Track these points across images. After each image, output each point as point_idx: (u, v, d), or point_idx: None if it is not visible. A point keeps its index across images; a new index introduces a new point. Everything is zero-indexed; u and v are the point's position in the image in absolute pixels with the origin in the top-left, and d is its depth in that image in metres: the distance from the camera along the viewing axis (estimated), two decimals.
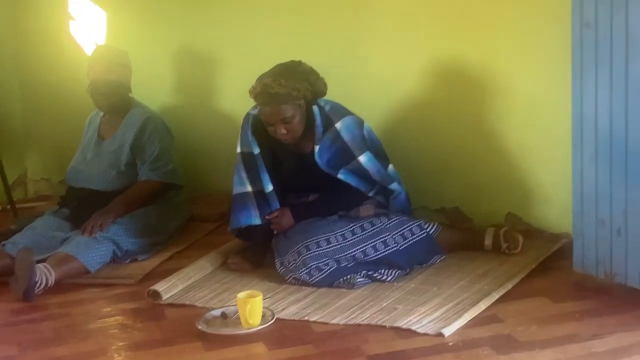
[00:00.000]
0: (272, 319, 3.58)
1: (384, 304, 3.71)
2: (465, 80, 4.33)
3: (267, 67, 4.07)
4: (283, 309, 3.72)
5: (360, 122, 4.13)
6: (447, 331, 3.42)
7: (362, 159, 4.05)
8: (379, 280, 3.93)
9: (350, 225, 4.02)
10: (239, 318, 3.57)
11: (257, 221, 4.11)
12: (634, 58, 3.39)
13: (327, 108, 4.08)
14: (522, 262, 4.04)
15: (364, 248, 3.96)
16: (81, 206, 4.58)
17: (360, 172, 4.08)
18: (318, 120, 4.04)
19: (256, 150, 4.10)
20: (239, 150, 4.15)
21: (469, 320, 3.52)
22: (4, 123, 5.59)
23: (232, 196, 4.20)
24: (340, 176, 4.07)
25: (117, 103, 4.68)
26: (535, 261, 4.03)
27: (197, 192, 5.01)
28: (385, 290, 3.85)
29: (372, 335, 3.47)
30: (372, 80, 4.54)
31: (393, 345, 3.39)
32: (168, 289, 3.93)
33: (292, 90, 3.92)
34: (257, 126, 4.10)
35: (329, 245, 3.95)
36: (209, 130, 5.10)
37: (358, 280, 3.90)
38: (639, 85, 3.40)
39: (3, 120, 5.58)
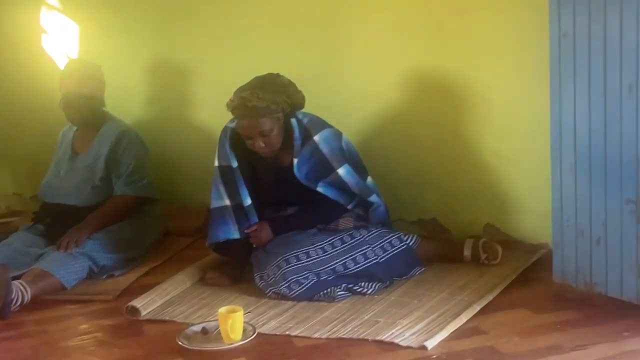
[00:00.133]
0: (253, 334, 3.56)
1: (366, 317, 3.70)
2: (443, 91, 4.33)
3: (242, 79, 4.05)
4: (264, 324, 3.69)
5: (338, 135, 4.12)
6: (430, 344, 3.41)
7: (341, 171, 4.04)
8: (359, 293, 3.91)
9: (330, 238, 4.01)
10: (220, 333, 3.55)
11: (235, 235, 4.09)
12: (612, 68, 3.40)
13: (305, 121, 4.07)
14: (502, 273, 4.04)
15: (344, 261, 3.95)
16: (56, 222, 4.54)
17: (339, 185, 4.07)
18: (296, 133, 4.03)
19: (234, 164, 4.08)
20: (216, 163, 4.12)
21: (452, 333, 3.51)
22: None
23: (209, 210, 4.18)
24: (319, 189, 4.05)
25: (90, 117, 4.64)
26: (515, 272, 4.04)
27: (173, 206, 4.97)
28: (365, 303, 3.84)
29: (355, 349, 3.45)
30: (350, 92, 4.53)
31: (376, 358, 3.37)
32: (147, 304, 3.89)
33: (270, 103, 3.91)
34: (235, 139, 4.08)
35: (309, 259, 3.93)
36: (183, 143, 5.08)
37: (338, 293, 3.88)
38: (617, 95, 3.41)
39: None
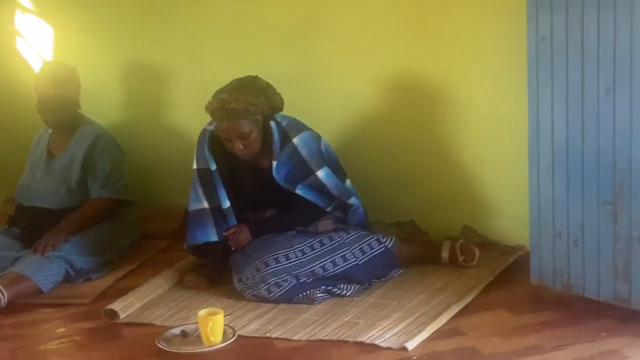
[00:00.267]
0: (233, 337, 3.55)
1: (346, 319, 3.70)
2: (421, 94, 4.35)
3: (220, 82, 4.05)
4: (244, 326, 3.69)
5: (317, 137, 4.13)
6: (411, 345, 3.42)
7: (320, 174, 4.05)
8: (339, 295, 3.92)
9: (309, 240, 4.01)
10: (199, 336, 3.53)
11: (214, 238, 4.08)
12: (590, 71, 3.43)
13: (284, 123, 4.07)
14: (479, 275, 4.07)
15: (323, 263, 3.95)
16: (32, 225, 4.51)
17: (319, 187, 4.08)
18: (275, 135, 4.03)
19: (213, 166, 4.07)
20: (195, 166, 4.11)
21: (432, 334, 3.53)
22: None
23: (187, 212, 4.17)
24: (298, 191, 4.06)
25: (65, 119, 4.61)
26: (492, 274, 4.06)
27: (149, 209, 4.95)
28: (345, 305, 3.85)
29: (336, 351, 3.46)
30: (328, 95, 4.54)
31: None
32: (125, 307, 3.87)
33: (249, 105, 3.90)
34: (214, 142, 4.08)
35: (288, 261, 3.93)
36: (159, 146, 5.06)
37: (318, 295, 3.89)
38: (594, 98, 3.44)
39: None
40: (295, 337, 3.57)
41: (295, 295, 3.88)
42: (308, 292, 3.89)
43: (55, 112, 4.56)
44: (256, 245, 4.04)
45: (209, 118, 4.04)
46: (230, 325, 3.63)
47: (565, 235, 3.66)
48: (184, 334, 3.61)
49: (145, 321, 3.81)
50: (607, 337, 3.43)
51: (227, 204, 4.07)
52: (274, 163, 4.03)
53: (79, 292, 4.20)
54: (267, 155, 4.06)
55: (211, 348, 3.49)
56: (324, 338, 3.55)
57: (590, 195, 3.54)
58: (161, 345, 3.50)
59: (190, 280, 4.15)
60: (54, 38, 5.10)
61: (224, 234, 4.08)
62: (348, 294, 3.93)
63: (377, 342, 3.47)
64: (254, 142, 3.98)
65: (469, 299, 3.82)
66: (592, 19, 3.39)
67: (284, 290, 3.88)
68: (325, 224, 4.13)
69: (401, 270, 4.13)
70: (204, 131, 4.11)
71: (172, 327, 3.68)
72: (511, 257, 4.19)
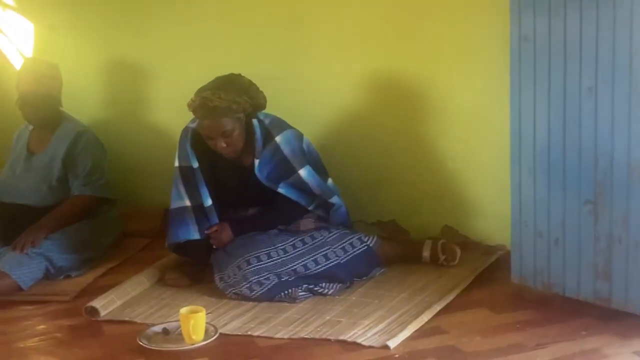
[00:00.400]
0: (215, 334, 3.55)
1: (327, 318, 3.71)
2: (403, 94, 4.36)
3: (202, 79, 4.04)
4: (225, 324, 3.68)
5: (299, 136, 4.13)
6: (393, 343, 3.42)
7: (303, 172, 4.05)
8: (320, 294, 3.93)
9: (291, 239, 4.01)
10: (181, 334, 3.53)
11: (195, 236, 4.07)
12: (572, 71, 3.45)
13: (266, 122, 4.07)
14: (461, 274, 4.08)
15: (305, 262, 3.95)
16: (12, 222, 4.47)
17: (301, 186, 4.08)
18: (258, 133, 4.03)
19: (195, 164, 4.06)
20: (177, 164, 4.10)
21: (413, 332, 3.53)
22: None
23: (169, 210, 4.16)
24: (280, 190, 4.06)
25: (47, 116, 4.60)
26: (473, 273, 4.08)
27: (129, 207, 4.93)
28: (327, 303, 3.85)
29: (318, 349, 3.45)
30: (310, 94, 4.54)
31: (340, 358, 3.38)
32: (106, 305, 3.86)
33: (232, 103, 3.90)
34: (196, 140, 4.07)
35: (270, 260, 3.93)
36: (141, 144, 5.05)
37: (299, 294, 3.89)
38: (576, 97, 3.46)
39: None
40: (277, 336, 3.57)
41: (277, 294, 3.88)
42: (290, 290, 3.89)
43: (36, 108, 4.54)
44: (238, 243, 4.03)
45: (191, 116, 4.03)
46: (212, 323, 3.63)
47: (546, 234, 3.67)
48: (165, 331, 3.60)
49: (127, 319, 3.80)
50: (588, 336, 3.44)
51: (209, 202, 4.07)
52: (256, 161, 4.03)
53: (59, 289, 4.18)
54: (250, 153, 4.05)
55: (193, 346, 3.48)
56: (305, 336, 3.55)
57: (572, 194, 3.56)
58: (142, 343, 3.49)
59: (171, 278, 4.14)
60: (34, 35, 5.07)
61: (205, 232, 4.08)
62: (330, 292, 3.93)
63: (359, 340, 3.48)
64: (237, 140, 3.98)
65: (450, 297, 3.83)
66: (574, 18, 3.41)
67: (265, 289, 3.88)
68: (307, 223, 4.13)
69: (383, 269, 4.13)
70: (186, 129, 4.10)
71: (153, 325, 3.67)
72: (492, 257, 4.20)
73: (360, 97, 4.47)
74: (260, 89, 4.05)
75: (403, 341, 3.46)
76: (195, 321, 3.48)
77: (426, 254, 4.20)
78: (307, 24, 4.52)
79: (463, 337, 3.49)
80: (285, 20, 4.56)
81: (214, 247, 4.09)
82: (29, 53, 5.05)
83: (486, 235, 4.31)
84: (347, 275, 4.00)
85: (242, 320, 3.72)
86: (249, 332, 3.61)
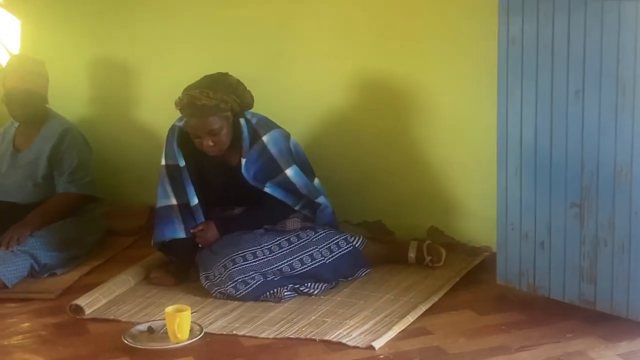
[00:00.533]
0: (200, 334, 3.55)
1: (313, 317, 3.71)
2: (391, 95, 4.37)
3: (188, 78, 4.04)
4: (210, 323, 3.68)
5: (286, 136, 4.13)
6: (378, 344, 3.43)
7: (289, 172, 4.05)
8: (306, 294, 3.93)
9: (277, 238, 4.01)
10: (166, 332, 3.52)
11: (181, 235, 4.06)
12: (560, 74, 3.47)
13: (254, 121, 4.07)
14: (446, 275, 4.08)
15: (291, 261, 3.95)
16: None
17: (287, 186, 4.07)
18: (245, 133, 4.03)
19: (182, 163, 4.05)
20: (163, 162, 4.09)
21: (398, 333, 3.54)
22: None
23: (155, 209, 4.15)
24: (267, 189, 4.06)
25: (33, 113, 4.58)
26: (459, 274, 4.08)
27: (115, 206, 4.92)
28: (312, 303, 3.85)
29: (303, 349, 3.46)
30: (297, 93, 4.54)
31: (324, 358, 3.39)
32: (91, 303, 3.85)
33: (220, 102, 3.89)
34: (183, 138, 4.06)
35: (256, 259, 3.93)
36: (127, 142, 5.03)
37: (285, 293, 3.89)
38: (563, 100, 3.47)
39: None
40: (262, 335, 3.57)
41: (262, 294, 3.88)
42: (275, 290, 3.89)
43: (23, 105, 4.52)
44: (224, 242, 4.03)
45: (178, 114, 4.02)
46: (197, 322, 3.62)
47: (532, 236, 3.69)
48: (150, 330, 3.60)
49: (111, 317, 3.79)
50: (573, 339, 3.45)
51: (195, 200, 4.06)
52: (243, 161, 4.03)
53: (44, 287, 4.17)
54: (236, 152, 4.05)
55: (178, 345, 3.48)
56: (290, 336, 3.55)
57: (558, 197, 3.57)
58: (127, 341, 3.49)
59: (156, 276, 4.13)
60: (20, 31, 5.05)
61: (191, 231, 4.07)
62: (315, 292, 3.93)
63: (344, 340, 3.48)
64: (224, 139, 3.97)
65: (435, 298, 3.84)
66: (562, 22, 3.42)
67: (251, 288, 3.87)
68: (293, 223, 4.13)
69: (368, 270, 4.13)
70: (173, 127, 4.09)
71: (138, 323, 3.67)
72: (478, 258, 4.21)
73: (347, 97, 4.47)
74: (248, 89, 4.04)
75: (388, 342, 3.46)
76: (180, 320, 3.48)
77: (412, 254, 4.20)
78: (294, 24, 4.51)
79: (448, 338, 3.50)
80: (273, 20, 4.56)
81: (200, 246, 4.08)
82: (16, 50, 5.02)
83: (472, 237, 4.32)
84: (333, 276, 4.00)
85: (227, 320, 3.72)
86: (234, 332, 3.61)
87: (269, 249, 3.97)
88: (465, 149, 4.24)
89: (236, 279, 3.87)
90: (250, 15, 4.61)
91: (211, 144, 3.95)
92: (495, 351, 3.38)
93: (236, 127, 4.03)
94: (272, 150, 4.04)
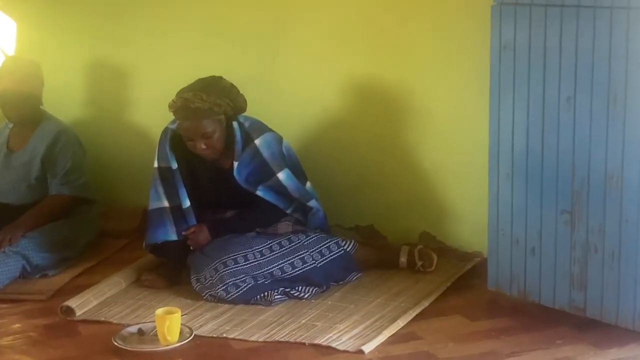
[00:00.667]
0: (190, 336, 3.55)
1: (303, 321, 3.71)
2: (383, 100, 4.38)
3: (182, 81, 4.05)
4: (201, 326, 3.69)
5: (279, 139, 4.13)
6: (367, 348, 3.44)
7: (281, 175, 4.05)
8: (296, 298, 3.93)
9: (268, 242, 4.01)
10: (156, 334, 3.53)
11: (173, 237, 4.07)
12: (551, 80, 3.48)
13: (246, 124, 4.08)
14: (437, 280, 4.09)
15: (282, 265, 3.96)
16: None
17: (279, 189, 4.08)
18: (238, 136, 4.03)
19: (174, 165, 4.06)
20: (156, 165, 4.10)
21: (388, 337, 3.55)
22: None
23: (147, 211, 4.15)
24: (258, 193, 4.06)
25: (28, 114, 4.58)
26: (450, 279, 4.09)
27: (108, 207, 4.92)
28: (303, 307, 3.85)
29: (292, 352, 3.47)
30: (290, 97, 4.55)
31: None
32: (82, 304, 3.86)
33: (213, 105, 3.90)
34: (176, 141, 4.07)
35: (247, 262, 3.93)
36: (120, 144, 5.03)
37: (275, 297, 3.89)
38: (555, 107, 3.48)
39: None
40: (252, 338, 3.58)
41: (253, 297, 3.89)
42: (266, 293, 3.89)
43: (18, 107, 4.53)
44: (215, 245, 4.03)
45: (171, 117, 4.03)
46: (187, 324, 3.63)
47: (523, 242, 3.69)
48: (140, 332, 3.60)
49: (102, 319, 3.80)
50: (563, 345, 3.46)
51: (187, 203, 4.06)
52: (235, 164, 4.03)
53: (36, 288, 4.17)
54: (229, 155, 4.05)
55: (167, 347, 3.49)
56: (280, 339, 3.56)
57: (549, 203, 3.58)
58: (117, 343, 3.50)
59: (147, 279, 4.13)
60: (16, 33, 5.06)
61: (183, 233, 4.07)
62: (306, 296, 3.94)
63: (333, 344, 3.49)
64: (217, 142, 3.98)
65: (426, 303, 3.85)
66: (554, 29, 3.44)
67: (241, 291, 3.88)
68: (284, 226, 4.13)
69: (359, 274, 4.14)
70: (166, 130, 4.10)
71: (129, 325, 3.67)
72: (469, 264, 4.22)
73: (340, 102, 4.47)
74: (241, 92, 4.05)
75: (378, 346, 3.47)
76: (170, 322, 3.49)
77: (403, 259, 4.21)
78: (288, 28, 4.52)
79: (437, 343, 3.50)
80: (266, 24, 4.56)
81: (192, 248, 4.09)
82: (11, 51, 5.03)
83: (463, 242, 4.33)
84: (324, 279, 4.00)
85: (218, 323, 3.72)
86: (224, 335, 3.61)
87: (260, 252, 3.97)
88: (458, 155, 4.24)
89: (227, 281, 3.88)
90: (244, 19, 4.62)
91: (204, 147, 3.95)
92: (485, 357, 3.39)
93: (229, 130, 4.03)
94: (265, 153, 4.05)
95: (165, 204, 4.07)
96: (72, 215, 4.57)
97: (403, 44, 4.26)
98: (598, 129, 3.37)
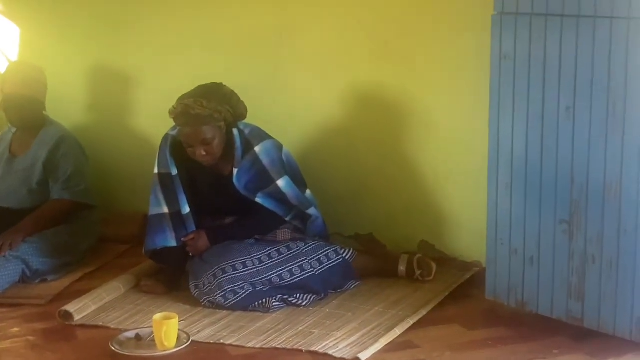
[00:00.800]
0: (187, 342, 3.55)
1: (300, 328, 3.71)
2: (384, 109, 4.38)
3: (183, 88, 4.05)
4: (198, 332, 3.69)
5: (279, 146, 4.14)
6: (364, 356, 3.43)
7: (281, 183, 4.06)
8: (294, 305, 3.93)
9: (267, 249, 4.02)
10: (153, 340, 3.53)
11: (172, 243, 4.07)
12: (551, 90, 3.48)
13: (246, 131, 4.08)
14: (435, 289, 4.08)
15: (280, 272, 3.96)
16: None
17: (278, 196, 4.08)
18: (238, 143, 4.04)
19: (174, 171, 4.07)
20: (156, 171, 4.11)
21: (385, 346, 3.54)
22: None
23: (147, 217, 4.16)
24: (258, 200, 4.06)
25: (31, 119, 4.60)
26: (448, 289, 4.09)
27: (109, 213, 4.92)
28: (300, 314, 3.86)
29: (289, 359, 3.46)
30: (292, 105, 4.56)
31: None
32: (80, 309, 3.86)
33: (214, 112, 3.91)
34: (176, 147, 4.08)
35: (245, 269, 3.94)
36: (121, 150, 5.05)
37: (273, 304, 3.89)
38: (554, 117, 3.48)
39: None
40: (249, 345, 3.58)
41: (251, 303, 3.89)
42: (264, 300, 3.89)
43: (21, 111, 4.54)
44: (214, 252, 4.03)
45: (171, 123, 4.04)
46: (184, 330, 3.63)
47: (522, 252, 3.69)
48: (138, 337, 3.60)
49: (100, 323, 3.80)
50: (560, 355, 3.46)
51: (186, 209, 4.07)
52: (235, 170, 4.04)
53: (35, 292, 4.18)
54: (229, 162, 4.06)
55: (165, 352, 3.49)
56: (277, 346, 3.56)
57: (548, 213, 3.58)
58: (115, 348, 3.50)
59: (146, 285, 4.13)
60: (20, 38, 5.08)
61: (182, 239, 4.08)
62: (304, 303, 3.94)
63: (330, 352, 3.49)
64: (216, 148, 3.98)
65: (424, 312, 3.84)
66: (554, 38, 3.44)
67: (240, 298, 3.88)
68: (283, 233, 4.14)
69: (358, 282, 4.14)
70: (166, 136, 4.11)
71: (126, 330, 3.67)
72: (468, 273, 4.21)
73: (341, 110, 4.48)
74: (242, 99, 4.06)
75: (374, 354, 3.47)
76: (167, 328, 3.49)
77: (402, 268, 4.21)
78: (290, 37, 4.53)
79: (434, 352, 3.50)
80: (269, 32, 4.58)
81: (191, 254, 4.09)
82: (15, 56, 5.05)
83: (462, 252, 4.33)
84: (322, 287, 4.00)
85: (215, 329, 3.72)
86: (221, 341, 3.61)
87: (259, 259, 3.98)
88: (457, 163, 4.24)
89: (225, 288, 3.88)
90: (246, 27, 4.63)
91: (204, 153, 3.96)
92: None
93: (229, 137, 4.04)
94: (264, 160, 4.05)
95: (165, 210, 4.08)
96: (73, 221, 4.57)
97: (404, 53, 4.27)
98: (597, 138, 3.37)
